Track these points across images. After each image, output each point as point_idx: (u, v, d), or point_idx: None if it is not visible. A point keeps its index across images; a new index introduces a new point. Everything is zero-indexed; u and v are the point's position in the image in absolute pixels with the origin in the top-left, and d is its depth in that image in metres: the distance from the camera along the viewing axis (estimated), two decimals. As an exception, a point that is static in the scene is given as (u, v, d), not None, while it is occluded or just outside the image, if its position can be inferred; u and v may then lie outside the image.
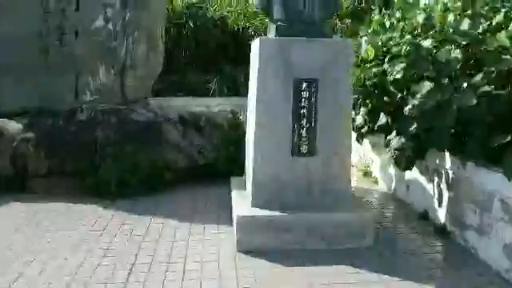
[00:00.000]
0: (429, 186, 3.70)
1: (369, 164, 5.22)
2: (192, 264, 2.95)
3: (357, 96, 4.24)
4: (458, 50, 3.05)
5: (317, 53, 3.12)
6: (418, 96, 3.25)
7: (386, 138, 3.80)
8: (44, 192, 4.36)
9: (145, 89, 5.42)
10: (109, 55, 4.84)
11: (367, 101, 4.20)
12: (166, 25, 6.81)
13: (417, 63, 3.34)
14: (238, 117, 5.24)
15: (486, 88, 2.87)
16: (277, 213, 3.13)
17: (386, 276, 2.77)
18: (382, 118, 3.93)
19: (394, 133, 3.66)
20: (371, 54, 4.07)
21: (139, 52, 5.05)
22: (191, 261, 2.99)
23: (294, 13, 3.19)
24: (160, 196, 4.34)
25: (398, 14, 4.64)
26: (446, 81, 3.22)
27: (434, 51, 3.36)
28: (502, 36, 2.78)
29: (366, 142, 5.04)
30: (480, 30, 3.03)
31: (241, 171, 4.20)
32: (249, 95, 3.67)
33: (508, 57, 2.72)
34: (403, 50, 3.46)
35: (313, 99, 3.13)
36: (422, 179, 3.81)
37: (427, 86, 3.21)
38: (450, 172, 3.34)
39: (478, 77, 2.90)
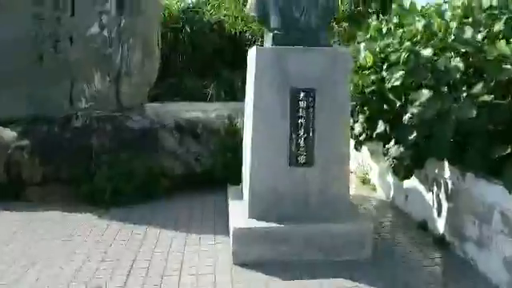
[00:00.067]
0: (428, 196, 3.66)
1: (367, 171, 5.18)
2: (187, 277, 2.89)
3: (355, 103, 4.20)
4: (458, 59, 3.01)
5: (314, 62, 3.08)
6: (417, 104, 3.20)
7: (384, 146, 3.76)
8: (38, 200, 4.31)
9: (140, 95, 5.38)
10: (104, 62, 4.80)
11: (365, 108, 4.16)
12: (162, 29, 6.78)
13: (416, 71, 3.30)
14: (235, 123, 5.20)
15: (486, 98, 2.82)
16: (274, 224, 3.08)
17: (385, 289, 2.73)
18: (381, 126, 3.89)
19: (392, 141, 3.61)
20: (369, 60, 4.03)
21: (135, 59, 5.01)
22: (186, 273, 2.94)
23: (291, 21, 3.15)
24: (156, 204, 4.28)
25: (395, 20, 4.61)
26: (446, 89, 3.19)
27: (434, 59, 3.32)
28: (502, 45, 2.74)
29: (364, 149, 4.99)
30: (480, 38, 2.99)
31: (238, 178, 4.15)
32: (246, 100, 3.62)
33: (508, 66, 2.68)
34: (402, 57, 3.42)
35: (310, 109, 3.08)
36: (421, 188, 3.77)
37: (426, 94, 3.17)
38: (450, 182, 3.30)
39: (479, 86, 2.85)
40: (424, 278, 2.89)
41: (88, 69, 4.76)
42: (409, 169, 3.56)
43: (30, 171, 4.36)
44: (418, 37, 3.59)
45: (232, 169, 4.56)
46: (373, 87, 3.93)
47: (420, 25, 3.58)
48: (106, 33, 4.76)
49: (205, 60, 9.45)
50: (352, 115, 4.29)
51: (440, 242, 3.38)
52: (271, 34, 3.17)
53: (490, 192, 2.82)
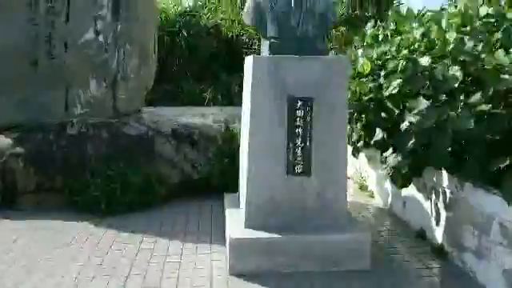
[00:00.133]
0: (426, 204, 3.63)
1: (365, 177, 5.16)
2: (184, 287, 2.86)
3: (352, 110, 4.18)
4: (456, 67, 2.99)
5: (311, 70, 3.05)
6: (415, 112, 3.18)
7: (382, 154, 3.73)
8: (33, 208, 4.26)
9: (137, 101, 5.33)
10: (100, 68, 4.76)
11: (363, 115, 4.13)
12: (159, 33, 6.74)
13: (413, 79, 3.28)
14: (232, 129, 5.17)
15: (484, 107, 2.80)
16: (271, 234, 3.05)
17: (384, 301, 2.70)
18: (379, 134, 3.87)
19: (390, 149, 3.59)
20: (367, 68, 4.01)
21: (131, 64, 4.97)
22: (182, 284, 2.90)
23: (288, 30, 3.12)
24: (153, 212, 4.24)
25: (392, 26, 4.60)
26: (444, 97, 3.17)
27: (433, 66, 3.30)
28: (500, 54, 2.72)
29: (361, 155, 4.97)
30: (479, 48, 2.97)
31: (235, 184, 4.12)
32: (243, 108, 3.59)
33: (506, 76, 2.66)
34: (400, 65, 3.40)
35: (308, 118, 3.05)
36: (419, 196, 3.75)
37: (424, 103, 3.15)
38: (448, 191, 3.28)
39: (477, 95, 2.83)
40: (422, 289, 2.87)
41: (83, 75, 4.72)
42: (407, 177, 3.54)
43: (24, 179, 4.31)
44: (416, 45, 3.57)
45: (229, 175, 4.54)
46: (370, 95, 3.91)
47: (418, 33, 3.56)
48: (101, 38, 4.71)
49: (202, 64, 9.44)
50: (349, 122, 4.27)
51: (439, 251, 3.35)
52: (268, 43, 3.14)
53: (489, 202, 2.79)
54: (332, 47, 8.65)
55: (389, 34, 4.38)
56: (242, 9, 10.18)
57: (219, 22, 9.85)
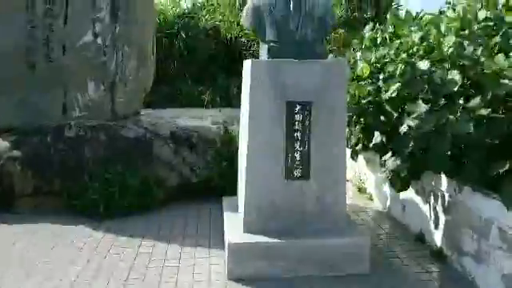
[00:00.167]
0: (425, 208, 3.63)
1: (364, 180, 5.15)
2: (182, 293, 2.85)
3: (351, 113, 4.17)
4: (455, 71, 2.99)
5: (310, 74, 3.05)
6: (414, 116, 3.18)
7: (381, 157, 3.73)
8: (31, 212, 4.24)
9: (135, 103, 5.32)
10: (98, 70, 4.74)
11: (361, 119, 4.13)
12: (157, 35, 6.73)
13: (412, 83, 3.27)
14: (230, 132, 5.16)
15: (483, 111, 2.80)
16: (270, 239, 3.04)
17: (383, 306, 2.70)
18: (377, 137, 3.86)
19: (389, 153, 3.59)
20: (366, 71, 4.00)
21: (129, 67, 4.96)
22: (181, 289, 2.89)
23: (287, 33, 3.11)
24: (151, 215, 4.22)
25: (390, 29, 4.59)
26: (443, 101, 3.16)
27: (432, 70, 3.29)
28: (500, 59, 2.71)
29: (360, 157, 4.96)
30: (479, 52, 2.97)
31: (234, 186, 4.11)
32: (241, 110, 3.58)
33: (506, 81, 2.66)
34: (398, 69, 3.39)
35: (306, 122, 3.05)
36: (418, 200, 3.74)
37: (423, 107, 3.15)
38: (447, 195, 3.27)
39: (476, 100, 2.83)
40: (422, 294, 2.86)
41: (81, 77, 4.71)
42: (405, 180, 3.54)
43: (22, 183, 4.29)
44: (415, 48, 3.57)
45: (228, 178, 4.53)
46: (369, 98, 3.91)
47: (416, 36, 3.56)
48: (100, 41, 4.70)
49: (200, 65, 9.43)
50: (348, 125, 4.26)
51: (438, 255, 3.35)
52: (267, 47, 3.13)
53: (488, 207, 2.79)
54: (331, 49, 8.65)
55: (387, 37, 4.37)
56: (241, 10, 10.17)
57: (218, 23, 9.85)
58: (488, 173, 2.68)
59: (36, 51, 4.60)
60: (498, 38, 3.02)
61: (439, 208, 3.39)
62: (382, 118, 3.76)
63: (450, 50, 3.05)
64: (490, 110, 2.81)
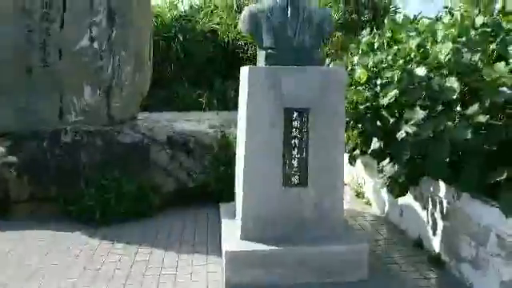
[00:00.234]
0: (423, 213, 3.62)
1: (361, 184, 5.14)
2: (179, 302, 2.83)
3: (349, 119, 4.16)
4: (453, 78, 2.98)
5: (308, 81, 3.03)
6: (412, 123, 3.18)
7: (378, 163, 3.72)
8: (26, 218, 4.20)
9: (132, 108, 5.29)
10: (95, 75, 4.71)
11: (359, 124, 4.12)
12: (154, 38, 6.71)
13: (409, 90, 3.27)
14: (227, 136, 5.13)
15: (481, 118, 2.79)
16: (267, 246, 3.02)
17: (381, 314, 2.69)
18: (375, 143, 3.85)
19: (387, 159, 3.58)
20: (364, 76, 3.99)
21: (126, 71, 4.92)
22: (178, 298, 2.87)
23: (284, 40, 3.10)
24: (148, 221, 4.20)
25: (388, 34, 4.59)
26: (440, 107, 3.16)
27: (430, 76, 3.29)
28: (501, 66, 2.70)
29: (358, 161, 4.96)
30: (476, 58, 2.96)
31: (231, 192, 4.08)
32: (239, 112, 3.55)
33: (505, 89, 2.65)
34: (396, 75, 3.38)
35: (304, 129, 3.03)
36: (416, 205, 3.74)
37: (420, 113, 3.14)
38: (445, 201, 3.27)
39: (474, 107, 2.82)
40: (420, 301, 2.85)
41: (78, 82, 4.67)
42: (403, 186, 3.53)
43: (17, 188, 4.26)
44: (412, 55, 3.56)
45: (225, 182, 4.50)
46: (367, 103, 3.90)
47: (414, 43, 3.55)
48: (96, 45, 4.67)
49: (197, 68, 9.40)
50: (346, 130, 4.25)
51: (436, 260, 3.34)
52: (264, 53, 3.12)
53: (486, 213, 2.79)
54: (328, 52, 8.65)
55: (385, 42, 4.37)
56: (239, 13, 10.15)
57: (215, 26, 9.81)
58: (486, 180, 2.67)
59: (32, 56, 4.57)
60: (495, 45, 3.02)
61: (437, 214, 3.38)
62: (380, 123, 3.75)
63: (448, 57, 3.04)
64: (488, 116, 2.81)
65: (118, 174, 4.27)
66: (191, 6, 10.54)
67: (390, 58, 3.85)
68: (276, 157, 3.08)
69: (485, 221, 2.80)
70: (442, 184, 3.28)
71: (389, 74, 3.54)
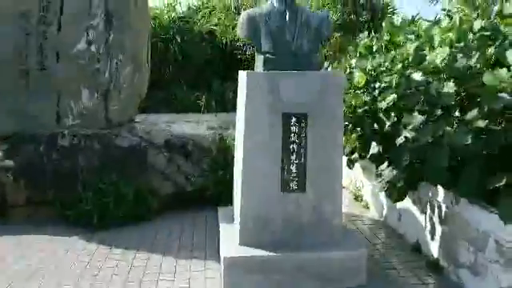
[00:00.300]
0: (421, 218, 3.61)
1: (360, 187, 5.14)
2: (177, 308, 2.81)
3: (347, 123, 4.15)
4: (452, 84, 2.97)
5: (306, 86, 3.02)
6: (410, 128, 3.17)
7: (377, 167, 3.71)
8: (23, 222, 4.18)
9: (130, 110, 5.27)
10: (92, 78, 4.69)
11: (357, 128, 4.11)
12: (152, 40, 6.69)
13: (407, 95, 3.26)
14: (226, 139, 5.12)
15: (480, 123, 2.78)
16: (266, 252, 3.01)
17: (380, 321, 2.68)
18: (374, 147, 3.84)
19: (385, 163, 3.57)
20: (362, 80, 3.99)
21: (124, 74, 4.91)
22: (176, 304, 2.86)
23: (282, 44, 3.08)
24: (146, 225, 4.18)
25: (386, 37, 4.58)
26: (439, 112, 3.15)
27: (428, 80, 3.28)
28: (502, 72, 2.68)
29: (356, 165, 4.95)
30: (473, 63, 2.96)
31: (230, 194, 4.07)
32: (237, 114, 3.53)
33: (504, 94, 2.64)
34: (394, 80, 3.38)
35: (303, 134, 3.02)
36: (415, 209, 3.73)
37: (419, 118, 3.13)
38: (443, 206, 3.26)
39: (473, 112, 2.81)
40: (419, 307, 2.84)
41: (75, 85, 4.65)
42: (402, 191, 3.52)
43: (14, 192, 4.24)
44: (410, 59, 3.55)
45: (224, 186, 4.49)
46: (365, 107, 3.89)
47: (412, 47, 3.54)
48: (93, 48, 4.65)
49: (196, 70, 9.38)
50: (344, 133, 4.24)
51: (434, 266, 3.33)
52: (262, 58, 3.10)
53: (485, 219, 2.78)
54: (326, 54, 8.64)
55: (383, 45, 4.36)
56: (237, 13, 10.12)
57: (213, 27, 9.80)
58: (485, 185, 2.66)
59: (30, 59, 4.55)
60: (493, 49, 3.01)
61: (436, 219, 3.38)
62: (378, 127, 3.74)
63: (444, 62, 3.04)
64: (487, 121, 2.80)
65: (115, 178, 4.25)
66: (189, 8, 10.53)
67: (387, 63, 3.84)
68: (274, 162, 3.06)
69: (483, 226, 2.79)
70: (440, 189, 3.27)
71: (387, 79, 3.53)
